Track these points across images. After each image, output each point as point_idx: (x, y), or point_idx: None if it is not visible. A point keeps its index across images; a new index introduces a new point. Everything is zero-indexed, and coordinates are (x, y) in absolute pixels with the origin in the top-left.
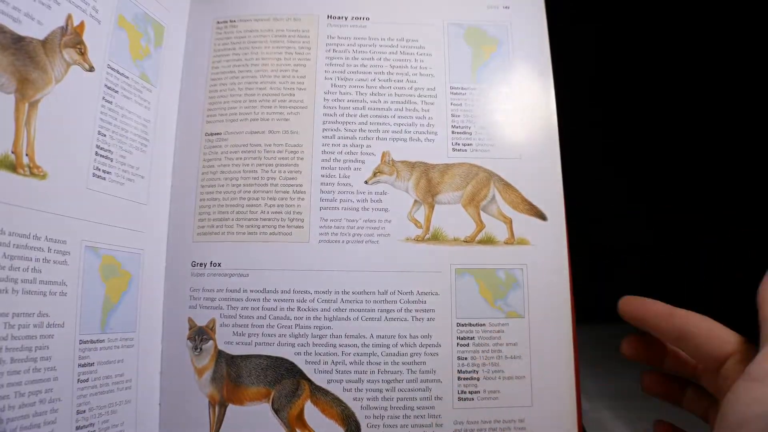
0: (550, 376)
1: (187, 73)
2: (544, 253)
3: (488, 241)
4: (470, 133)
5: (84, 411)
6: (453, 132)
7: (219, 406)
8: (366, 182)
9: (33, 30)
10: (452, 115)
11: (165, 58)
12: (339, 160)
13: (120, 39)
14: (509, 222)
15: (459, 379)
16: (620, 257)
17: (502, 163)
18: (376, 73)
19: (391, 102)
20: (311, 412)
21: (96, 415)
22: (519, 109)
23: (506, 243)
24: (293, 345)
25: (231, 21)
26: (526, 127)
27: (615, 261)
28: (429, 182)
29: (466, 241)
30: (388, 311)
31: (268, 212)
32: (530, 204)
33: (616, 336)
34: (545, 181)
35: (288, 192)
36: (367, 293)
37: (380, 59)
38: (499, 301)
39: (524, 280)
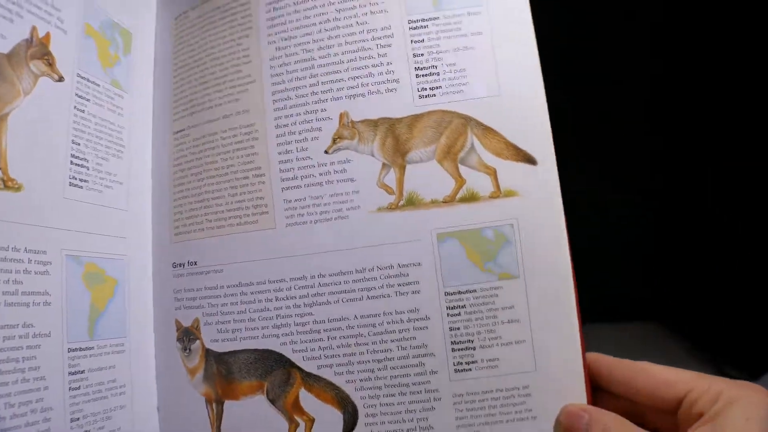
0: (552, 337)
1: (157, 76)
2: (536, 203)
3: (471, 197)
4: (438, 74)
5: (78, 419)
6: (417, 75)
7: (216, 404)
8: (326, 152)
9: None
10: (414, 55)
11: (135, 64)
12: (294, 133)
13: (88, 47)
14: (493, 172)
15: (453, 350)
16: (619, 257)
17: (478, 104)
18: (320, 22)
19: (343, 53)
20: (307, 398)
21: (91, 422)
22: (493, 38)
23: (492, 197)
24: (277, 336)
25: (184, 12)
26: (504, 59)
27: (614, 261)
28: (396, 140)
29: (446, 202)
30: (368, 290)
31: (231, 202)
32: (516, 148)
33: (616, 336)
34: (530, 118)
35: (248, 177)
36: (344, 273)
37: (324, 5)
38: (489, 263)
39: (515, 236)
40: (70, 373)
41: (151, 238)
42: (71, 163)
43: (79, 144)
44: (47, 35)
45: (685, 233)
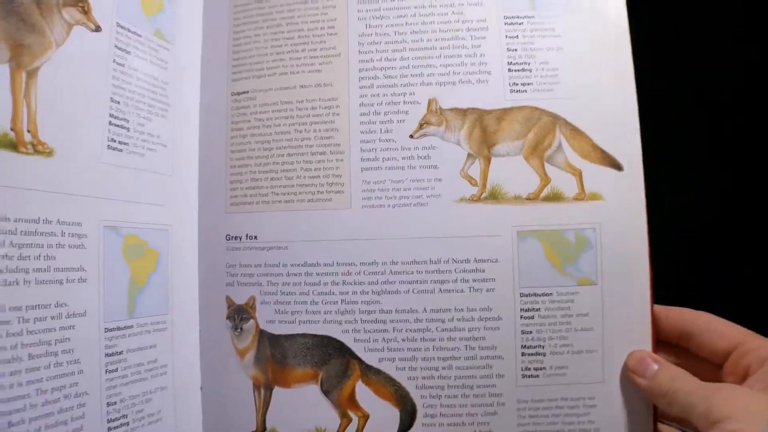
0: (624, 349)
1: (207, 27)
2: (620, 209)
3: (555, 197)
4: (530, 71)
5: (115, 402)
6: (510, 70)
7: (264, 389)
8: (411, 136)
9: None
10: (508, 50)
11: (182, 12)
12: (379, 113)
13: None
14: (579, 174)
15: (523, 354)
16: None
17: (568, 104)
18: (416, 7)
19: (435, 40)
20: (363, 393)
21: (128, 405)
22: (588, 40)
23: (576, 199)
24: (340, 322)
25: None
26: (597, 61)
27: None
28: (484, 131)
29: (529, 199)
30: (442, 282)
31: (304, 177)
32: (603, 152)
33: None
34: (620, 124)
35: (325, 153)
36: (418, 263)
37: None
38: (569, 267)
39: (597, 241)
40: (107, 355)
41: (198, 207)
42: (110, 123)
43: (118, 102)
44: None
45: (686, 233)
